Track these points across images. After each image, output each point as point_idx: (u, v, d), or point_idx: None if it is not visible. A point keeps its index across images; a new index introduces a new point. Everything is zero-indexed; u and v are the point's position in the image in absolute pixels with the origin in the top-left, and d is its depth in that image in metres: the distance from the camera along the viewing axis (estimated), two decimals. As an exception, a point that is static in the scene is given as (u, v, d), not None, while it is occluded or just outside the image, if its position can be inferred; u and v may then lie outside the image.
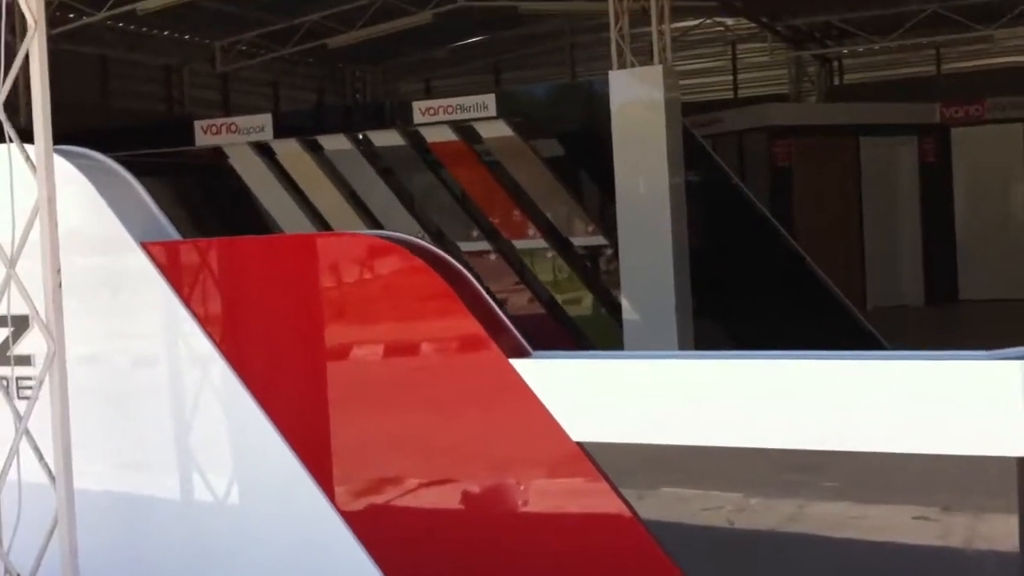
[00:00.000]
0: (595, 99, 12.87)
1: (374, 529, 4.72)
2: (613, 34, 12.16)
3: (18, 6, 4.67)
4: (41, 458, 4.67)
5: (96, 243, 5.20)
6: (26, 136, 4.79)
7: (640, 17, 12.70)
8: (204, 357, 5.04)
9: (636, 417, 4.33)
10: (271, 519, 4.97)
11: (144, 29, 17.82)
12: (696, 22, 20.73)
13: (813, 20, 20.17)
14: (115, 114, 17.03)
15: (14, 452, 4.58)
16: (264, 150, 14.59)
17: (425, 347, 4.76)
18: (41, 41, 4.67)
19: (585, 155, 13.41)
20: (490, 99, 13.35)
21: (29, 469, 4.77)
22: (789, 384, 4.12)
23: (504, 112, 13.17)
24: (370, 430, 4.84)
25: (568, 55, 22.89)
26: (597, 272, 13.37)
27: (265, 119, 14.61)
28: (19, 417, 4.62)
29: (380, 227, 13.93)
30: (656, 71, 11.75)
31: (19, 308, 4.95)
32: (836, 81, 22.87)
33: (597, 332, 12.69)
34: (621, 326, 11.88)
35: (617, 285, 12.30)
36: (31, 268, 4.80)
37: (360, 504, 4.81)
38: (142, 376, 5.21)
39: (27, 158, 4.74)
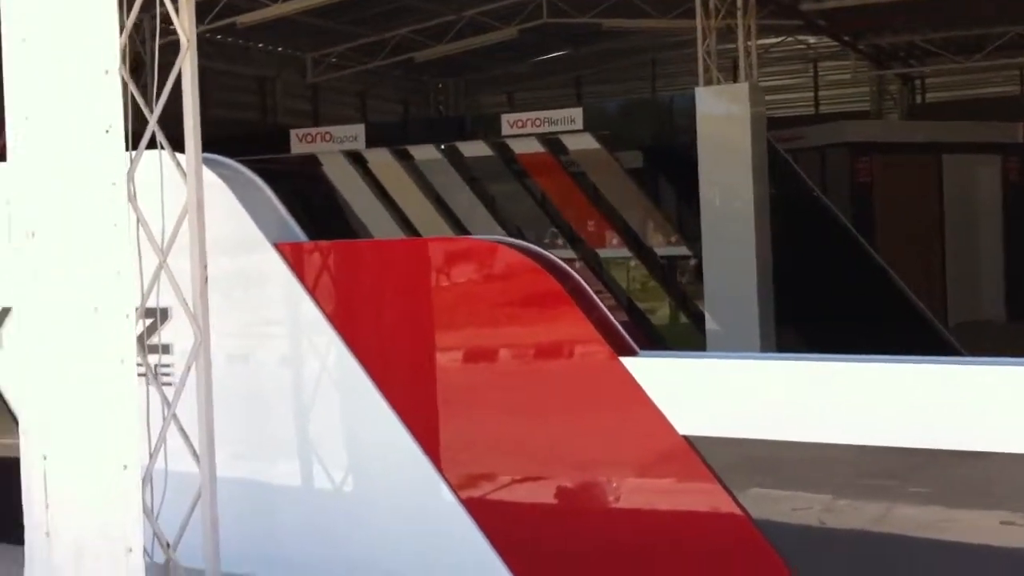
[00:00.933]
0: (680, 114, 13.18)
1: (493, 518, 5.07)
2: (700, 51, 12.44)
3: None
4: (187, 439, 5.09)
5: (234, 244, 5.62)
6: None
7: (725, 35, 12.97)
8: (331, 350, 5.43)
9: (739, 413, 4.62)
10: (393, 507, 5.34)
11: (240, 41, 18.46)
12: (778, 40, 20.88)
13: (896, 40, 20.20)
14: (213, 123, 17.65)
15: (163, 437, 4.99)
16: (356, 159, 15.10)
17: (540, 345, 5.10)
18: (192, 59, 5.10)
19: (669, 168, 13.71)
20: (577, 113, 13.72)
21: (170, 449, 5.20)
22: (890, 386, 4.38)
23: (591, 125, 13.52)
24: (488, 424, 5.19)
25: (649, 70, 23.14)
26: (679, 281, 13.63)
27: (358, 129, 15.11)
28: (167, 402, 5.03)
29: (466, 233, 14.36)
30: (742, 88, 12.02)
31: (156, 302, 5.39)
32: (918, 99, 22.84)
33: (679, 340, 12.97)
34: (703, 334, 12.13)
35: (699, 294, 12.57)
36: (176, 265, 5.23)
37: (479, 494, 5.16)
38: (273, 366, 5.62)
39: (178, 165, 5.18)
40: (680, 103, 13.33)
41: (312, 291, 5.49)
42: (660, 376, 4.79)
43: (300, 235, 5.81)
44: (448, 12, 18.23)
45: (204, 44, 17.73)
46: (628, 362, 4.80)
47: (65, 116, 4.71)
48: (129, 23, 4.82)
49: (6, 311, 6.28)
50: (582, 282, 5.14)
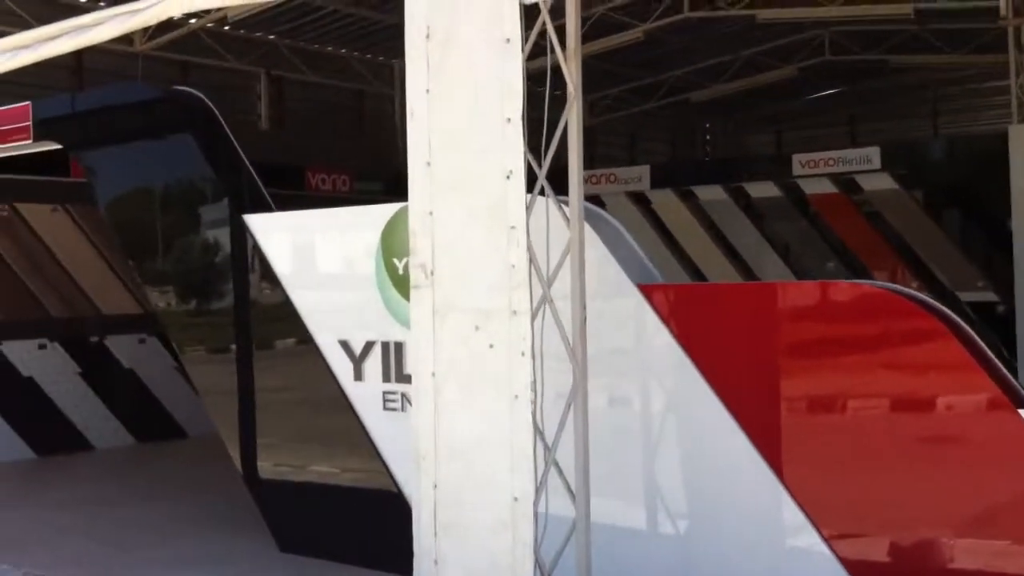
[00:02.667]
0: (988, 152, 12.58)
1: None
2: (1013, 87, 11.89)
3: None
4: (561, 474, 5.23)
5: (601, 285, 5.74)
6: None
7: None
8: (697, 392, 5.45)
9: None
10: (766, 562, 5.28)
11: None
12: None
13: None
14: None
15: (547, 472, 5.11)
16: (639, 199, 15.22)
17: (934, 395, 4.93)
18: (578, 108, 5.29)
19: (974, 209, 13.11)
20: (874, 152, 13.35)
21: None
22: None
23: (889, 164, 13.11)
24: (870, 477, 5.05)
25: (930, 107, 22.31)
26: (986, 328, 12.96)
27: (643, 170, 15.23)
28: (547, 448, 5.15)
29: (753, 276, 14.19)
30: (1062, 124, 11.39)
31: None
32: None
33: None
34: (1017, 384, 11.46)
35: (1010, 342, 11.91)
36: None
37: (859, 552, 5.04)
38: (637, 405, 5.69)
39: (560, 210, 5.36)
40: (989, 141, 12.74)
41: (676, 332, 5.55)
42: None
43: (657, 276, 5.89)
44: (725, 53, 18.19)
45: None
46: (1024, 413, 4.60)
47: (465, 162, 5.00)
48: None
49: (369, 345, 6.67)
50: (968, 328, 4.96)
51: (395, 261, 6.52)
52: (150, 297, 8.20)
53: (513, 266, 4.80)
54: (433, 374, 5.05)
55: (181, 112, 7.66)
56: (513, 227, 4.80)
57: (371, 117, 17.18)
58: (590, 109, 20.45)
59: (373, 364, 6.67)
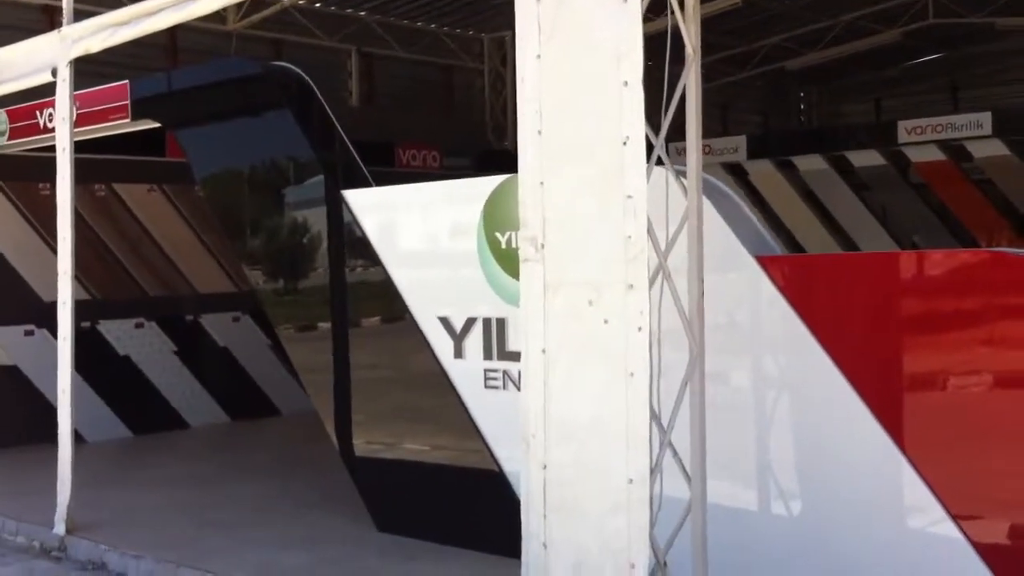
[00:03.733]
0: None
1: (1004, 559, 4.65)
2: None
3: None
4: (676, 456, 5.01)
5: (717, 257, 5.48)
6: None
7: None
8: (818, 367, 5.18)
9: None
10: (888, 537, 5.02)
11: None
12: None
13: None
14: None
15: (663, 452, 4.90)
16: (735, 170, 14.84)
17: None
18: (697, 72, 5.02)
19: (1092, 176, 12.52)
20: (985, 117, 12.79)
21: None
22: None
23: (1001, 130, 12.55)
24: (1000, 452, 4.76)
25: (1035, 72, 21.42)
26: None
27: (739, 141, 14.84)
28: (663, 430, 4.93)
29: (854, 246, 13.74)
30: None
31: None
32: None
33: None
34: None
35: None
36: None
37: (988, 531, 4.75)
38: (756, 381, 5.44)
39: (678, 180, 5.11)
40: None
41: (796, 305, 5.28)
42: None
43: (777, 248, 5.62)
44: (824, 18, 17.60)
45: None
46: None
47: (579, 129, 4.77)
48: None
49: (470, 322, 6.51)
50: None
51: (498, 235, 6.34)
52: (248, 275, 8.14)
53: (629, 237, 4.56)
54: (543, 351, 4.85)
55: (280, 88, 7.56)
56: (630, 196, 4.56)
57: (460, 92, 16.99)
58: (681, 80, 20.04)
59: (474, 341, 6.51)
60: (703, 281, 5.04)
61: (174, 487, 8.78)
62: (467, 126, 16.51)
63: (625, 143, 4.59)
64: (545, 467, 4.87)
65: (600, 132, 4.68)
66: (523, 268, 4.95)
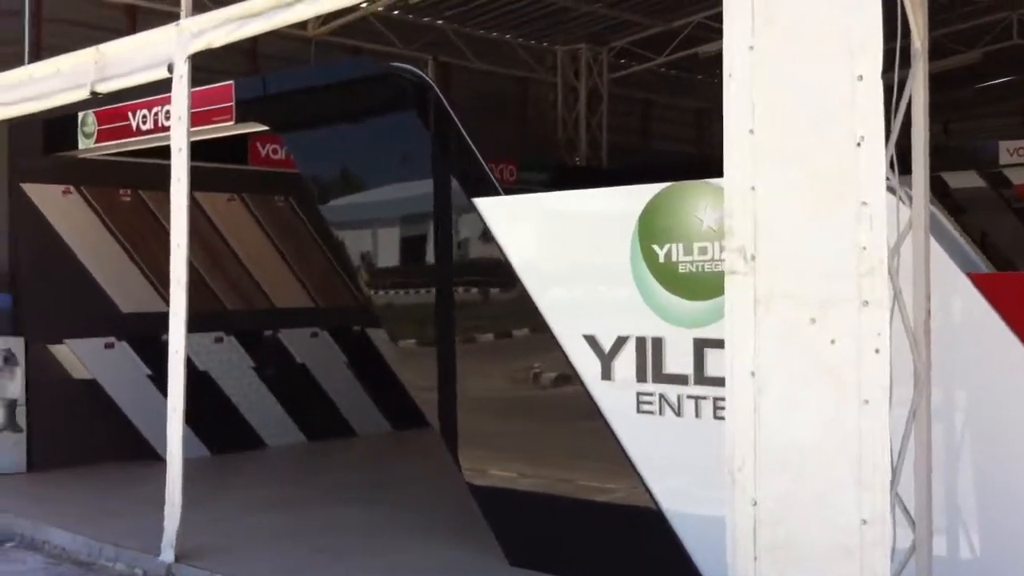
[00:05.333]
0: None
1: None
2: None
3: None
4: (899, 499, 4.51)
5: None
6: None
7: None
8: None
9: None
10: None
11: (684, 74, 18.22)
12: None
13: None
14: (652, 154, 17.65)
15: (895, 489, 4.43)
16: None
17: None
18: (925, 66, 4.56)
19: None
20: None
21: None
22: None
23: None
24: None
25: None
26: None
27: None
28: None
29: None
30: None
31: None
32: None
33: None
34: None
35: None
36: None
37: None
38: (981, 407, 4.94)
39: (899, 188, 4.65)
40: None
41: (1014, 326, 4.79)
42: None
43: (982, 266, 5.14)
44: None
45: (650, 77, 17.74)
46: None
47: (801, 129, 4.31)
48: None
49: (621, 341, 6.04)
50: None
51: (655, 248, 5.88)
52: (363, 285, 7.69)
53: (864, 249, 4.10)
54: (753, 373, 4.38)
55: (403, 90, 7.14)
56: (865, 203, 4.10)
57: (534, 105, 16.58)
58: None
59: (626, 362, 6.03)
60: (930, 299, 4.56)
61: (272, 511, 8.32)
62: (541, 140, 16.09)
63: (860, 144, 4.13)
64: (755, 503, 4.39)
65: (827, 131, 4.22)
66: (730, 282, 4.48)
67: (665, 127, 18.79)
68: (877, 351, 4.07)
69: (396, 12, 13.84)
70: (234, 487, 9.39)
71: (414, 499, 8.57)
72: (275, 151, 11.62)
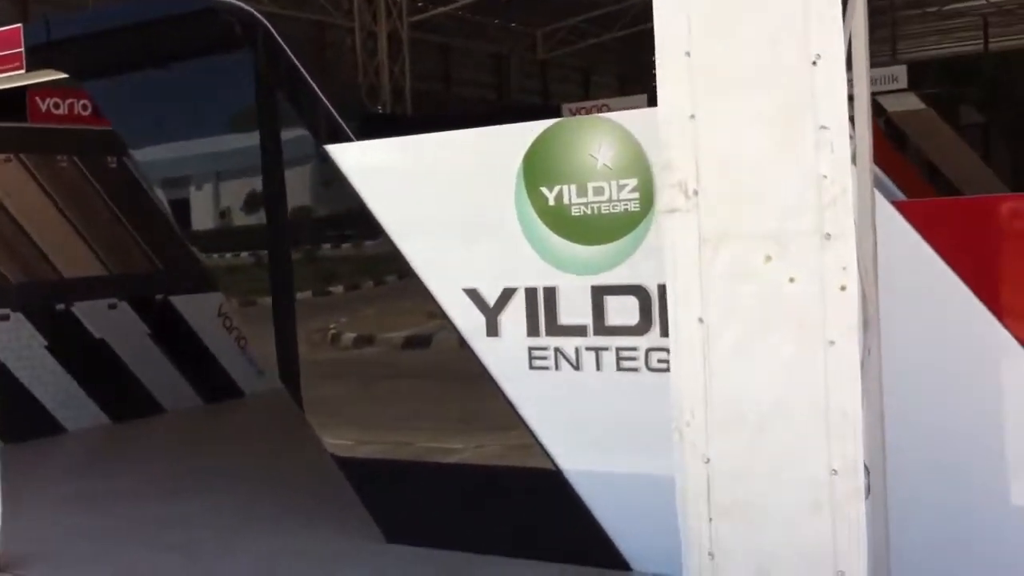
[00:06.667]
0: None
1: None
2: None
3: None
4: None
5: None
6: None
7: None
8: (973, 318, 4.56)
9: None
10: None
11: (478, 17, 17.72)
12: None
13: None
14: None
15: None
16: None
17: None
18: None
19: None
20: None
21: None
22: None
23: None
24: None
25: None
26: None
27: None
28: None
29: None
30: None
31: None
32: None
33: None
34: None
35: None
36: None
37: None
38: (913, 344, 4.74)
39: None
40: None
41: (941, 252, 4.62)
42: None
43: (898, 193, 4.94)
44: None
45: (445, 20, 17.17)
46: None
47: (744, 49, 3.90)
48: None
49: (508, 293, 5.56)
50: None
51: (543, 191, 5.41)
52: (199, 250, 6.87)
53: (825, 177, 3.76)
54: (701, 320, 4.00)
55: (236, 28, 6.33)
56: (824, 127, 3.76)
57: (332, 50, 15.73)
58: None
59: (514, 315, 5.56)
60: (876, 232, 4.29)
61: (94, 507, 7.39)
62: (341, 87, 15.29)
63: (815, 62, 3.77)
64: (708, 460, 4.02)
65: (777, 50, 3.85)
66: (667, 221, 4.06)
67: (464, 72, 18.32)
68: (843, 288, 3.75)
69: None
70: (39, 480, 8.35)
71: (253, 483, 7.84)
72: (56, 105, 10.46)
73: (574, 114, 14.28)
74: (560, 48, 19.67)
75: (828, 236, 3.77)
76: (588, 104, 14.34)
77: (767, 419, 3.92)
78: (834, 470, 3.81)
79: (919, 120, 12.25)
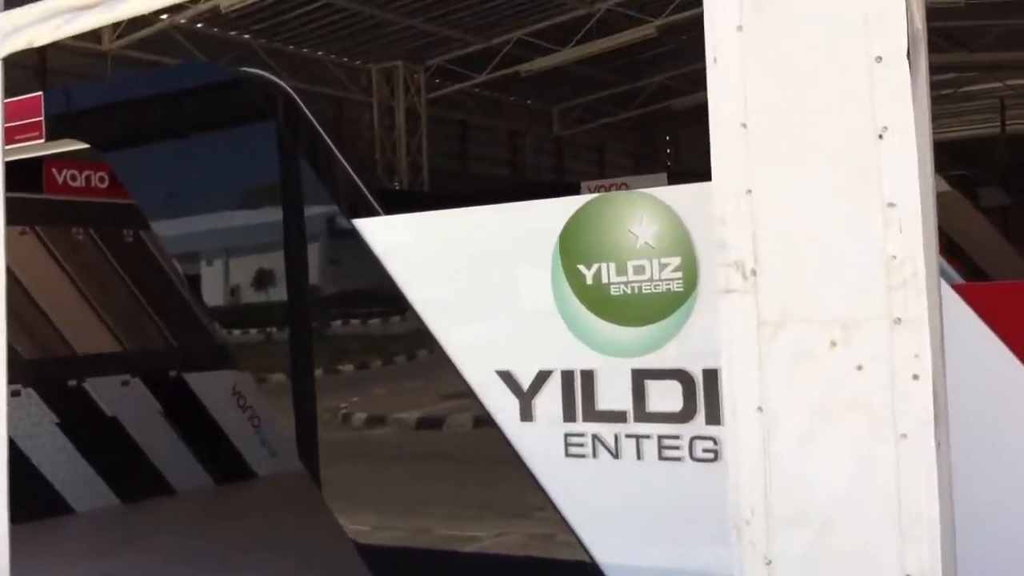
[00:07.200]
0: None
1: None
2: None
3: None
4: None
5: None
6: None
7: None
8: None
9: None
10: None
11: (496, 94, 17.71)
12: None
13: None
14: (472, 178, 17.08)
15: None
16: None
17: None
18: (925, 54, 4.05)
19: None
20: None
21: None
22: None
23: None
24: None
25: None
26: None
27: (661, 178, 14.07)
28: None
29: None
30: None
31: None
32: None
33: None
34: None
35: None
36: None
37: None
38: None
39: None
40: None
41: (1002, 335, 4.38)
42: None
43: (957, 276, 4.71)
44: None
45: (466, 97, 17.13)
46: None
47: (805, 120, 3.71)
48: None
49: (543, 376, 5.30)
50: None
51: (581, 269, 5.18)
52: (220, 325, 6.65)
53: (894, 258, 3.52)
54: (760, 408, 3.73)
55: (260, 98, 6.19)
56: (892, 205, 3.53)
57: (350, 125, 15.68)
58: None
59: (549, 399, 5.30)
60: (941, 308, 4.05)
61: None
62: (360, 162, 15.19)
63: (882, 135, 3.57)
64: (769, 562, 3.73)
65: (840, 123, 3.65)
66: (725, 302, 3.82)
67: (480, 149, 18.26)
68: (916, 377, 3.50)
69: (200, 25, 12.70)
70: (52, 562, 8.07)
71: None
72: (73, 177, 10.34)
73: (593, 191, 14.13)
74: (575, 127, 19.62)
75: (898, 321, 3.52)
76: (607, 182, 14.17)
77: (833, 518, 3.64)
78: (909, 575, 3.52)
79: (945, 201, 12.02)
